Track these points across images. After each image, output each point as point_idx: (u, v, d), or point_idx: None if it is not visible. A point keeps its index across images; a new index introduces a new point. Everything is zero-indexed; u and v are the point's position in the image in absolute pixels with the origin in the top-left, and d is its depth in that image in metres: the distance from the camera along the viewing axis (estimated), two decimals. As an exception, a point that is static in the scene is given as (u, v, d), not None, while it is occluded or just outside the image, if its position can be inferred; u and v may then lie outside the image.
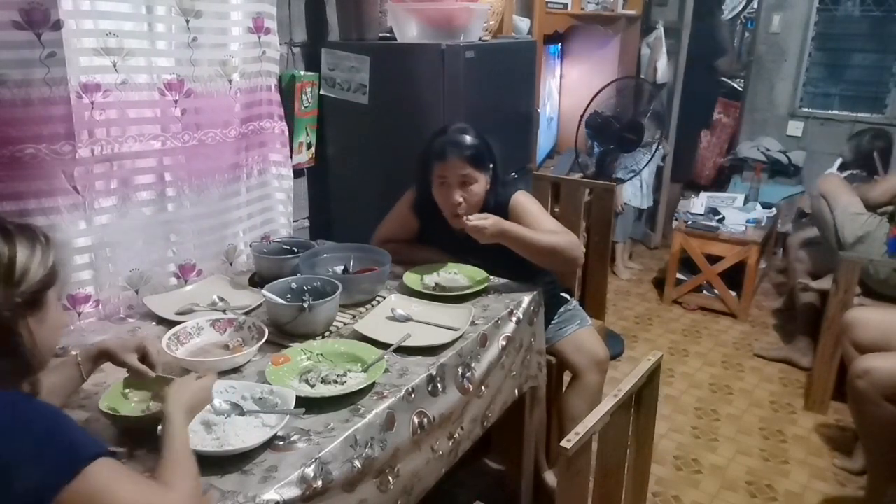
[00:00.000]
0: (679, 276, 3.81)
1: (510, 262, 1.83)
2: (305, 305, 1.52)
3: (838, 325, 2.47)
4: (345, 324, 1.63)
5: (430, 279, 1.87)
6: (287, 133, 2.19)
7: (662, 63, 4.28)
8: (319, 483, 1.11)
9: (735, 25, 5.50)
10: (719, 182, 4.86)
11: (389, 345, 1.49)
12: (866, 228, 2.78)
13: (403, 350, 1.49)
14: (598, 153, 3.30)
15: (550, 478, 2.12)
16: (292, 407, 1.23)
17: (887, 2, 4.42)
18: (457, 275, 1.90)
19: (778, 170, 4.61)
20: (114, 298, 1.72)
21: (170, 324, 1.56)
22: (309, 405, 1.25)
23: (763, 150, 4.67)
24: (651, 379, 1.45)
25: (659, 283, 4.02)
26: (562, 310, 2.11)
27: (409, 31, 2.29)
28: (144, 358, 1.24)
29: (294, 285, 1.67)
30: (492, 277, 1.87)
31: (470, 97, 2.20)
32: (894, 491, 2.07)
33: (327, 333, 1.58)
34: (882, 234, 2.73)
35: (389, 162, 2.35)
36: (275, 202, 2.21)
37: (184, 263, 1.90)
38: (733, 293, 3.63)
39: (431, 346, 1.50)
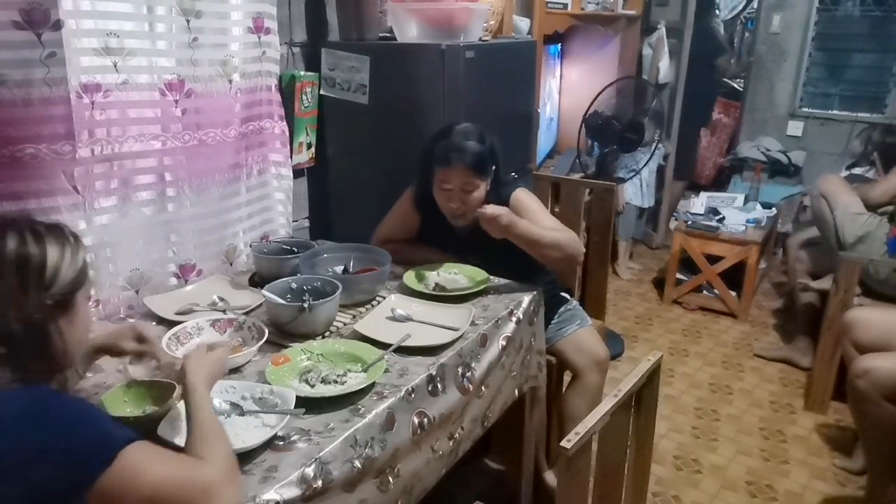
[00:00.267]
0: (679, 276, 3.81)
1: (510, 261, 1.83)
2: (305, 305, 1.52)
3: (838, 325, 2.47)
4: (345, 324, 1.63)
5: (430, 279, 1.87)
6: (287, 133, 2.19)
7: (665, 63, 4.28)
8: (319, 483, 1.11)
9: (735, 25, 5.51)
10: (719, 182, 4.87)
11: (389, 345, 1.49)
12: (866, 228, 2.78)
13: (403, 350, 1.49)
14: (599, 153, 3.29)
15: (550, 478, 2.12)
16: (292, 407, 1.23)
17: (887, 2, 4.42)
18: (457, 275, 1.90)
19: (778, 170, 4.61)
20: (114, 298, 1.72)
21: (170, 324, 1.56)
22: (309, 405, 1.25)
23: (763, 150, 4.67)
24: (651, 379, 1.45)
25: (659, 283, 4.02)
26: (562, 309, 2.11)
27: (409, 31, 2.29)
28: (141, 340, 1.24)
29: (294, 285, 1.67)
30: (492, 277, 1.87)
31: (470, 97, 2.20)
32: (894, 491, 2.07)
33: (327, 333, 1.58)
34: (882, 234, 2.73)
35: (389, 162, 2.35)
36: (274, 202, 2.21)
37: (184, 263, 1.90)
38: (733, 293, 3.63)
39: (431, 346, 1.50)
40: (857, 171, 3.47)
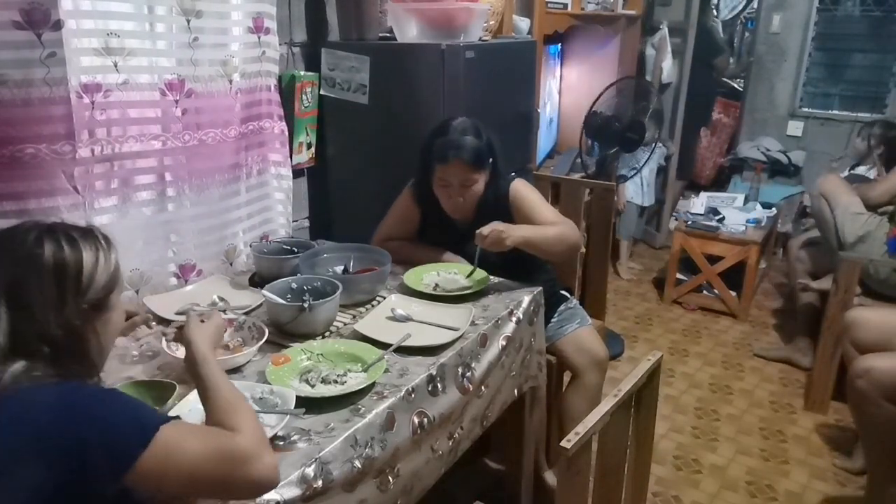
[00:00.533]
0: (679, 276, 3.81)
1: (510, 254, 1.83)
2: (305, 305, 1.52)
3: (838, 325, 2.47)
4: (345, 324, 1.63)
5: (430, 279, 1.87)
6: (286, 133, 2.19)
7: (668, 63, 4.28)
8: (319, 483, 1.11)
9: (735, 25, 5.51)
10: (719, 182, 4.86)
11: (389, 345, 1.49)
12: (866, 228, 2.78)
13: (403, 350, 1.49)
14: (600, 153, 3.30)
15: (550, 478, 2.12)
16: (292, 407, 1.23)
17: (887, 2, 4.42)
18: (457, 275, 1.90)
19: (778, 170, 4.61)
20: (114, 298, 1.72)
21: (170, 324, 1.56)
22: (309, 405, 1.25)
23: (763, 150, 4.67)
24: (651, 379, 1.45)
25: (659, 283, 4.02)
26: (562, 308, 2.11)
27: (409, 31, 2.29)
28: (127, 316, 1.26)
29: (294, 285, 1.67)
30: (492, 277, 1.87)
31: (470, 97, 2.20)
32: (894, 491, 2.07)
33: (327, 333, 1.58)
34: (882, 234, 2.73)
35: (389, 162, 2.34)
36: (274, 202, 2.21)
37: (184, 263, 1.90)
38: (733, 293, 3.63)
39: (431, 346, 1.50)
40: (859, 170, 3.46)
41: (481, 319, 1.66)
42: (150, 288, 1.79)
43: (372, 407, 1.28)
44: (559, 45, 3.87)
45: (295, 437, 1.18)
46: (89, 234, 1.00)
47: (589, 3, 3.71)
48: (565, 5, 3.41)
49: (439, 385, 1.45)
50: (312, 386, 1.34)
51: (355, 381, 1.35)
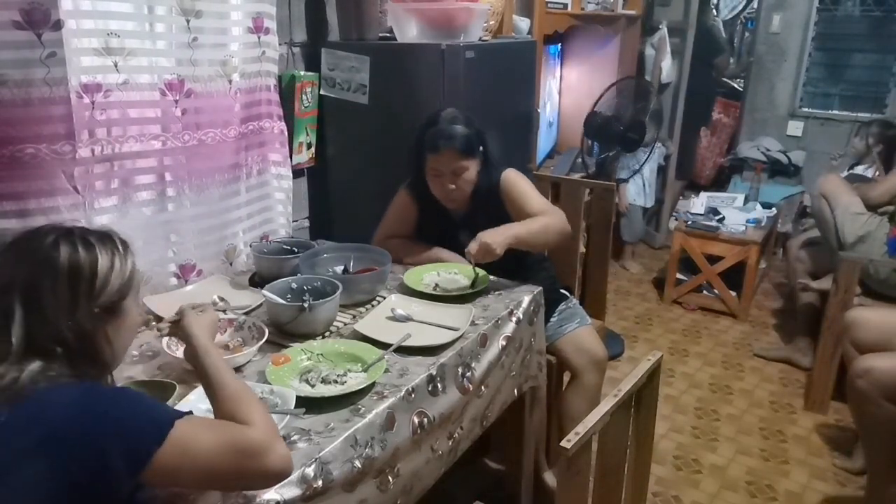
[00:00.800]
0: (679, 276, 3.81)
1: (505, 254, 1.83)
2: (305, 305, 1.52)
3: (838, 325, 2.47)
4: (345, 324, 1.63)
5: (430, 279, 1.87)
6: (286, 133, 2.19)
7: (667, 63, 4.28)
8: (319, 483, 1.11)
9: (735, 25, 5.51)
10: (719, 182, 4.86)
11: (389, 345, 1.49)
12: (867, 228, 2.78)
13: (403, 350, 1.49)
14: (600, 153, 3.30)
15: (550, 478, 2.12)
16: (292, 407, 1.23)
17: (887, 2, 4.42)
18: (457, 275, 1.90)
19: (778, 170, 4.61)
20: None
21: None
22: (309, 405, 1.25)
23: (763, 150, 4.67)
24: (651, 379, 1.45)
25: (659, 283, 4.02)
26: (562, 307, 2.11)
27: (409, 31, 2.29)
28: None
29: (294, 285, 1.67)
30: (492, 277, 1.87)
31: (470, 97, 2.20)
32: (894, 491, 2.07)
33: (327, 333, 1.58)
34: (882, 234, 2.73)
35: (389, 162, 2.34)
36: (274, 202, 2.21)
37: (184, 263, 1.90)
38: (733, 293, 3.63)
39: (431, 346, 1.50)
40: (858, 170, 3.46)
41: (481, 319, 1.66)
42: (150, 288, 1.79)
43: (372, 407, 1.28)
44: (559, 45, 3.87)
45: (295, 437, 1.18)
46: (107, 238, 1.00)
47: (589, 3, 3.71)
48: (565, 5, 3.41)
49: (439, 385, 1.45)
50: (312, 386, 1.34)
51: (355, 381, 1.35)
